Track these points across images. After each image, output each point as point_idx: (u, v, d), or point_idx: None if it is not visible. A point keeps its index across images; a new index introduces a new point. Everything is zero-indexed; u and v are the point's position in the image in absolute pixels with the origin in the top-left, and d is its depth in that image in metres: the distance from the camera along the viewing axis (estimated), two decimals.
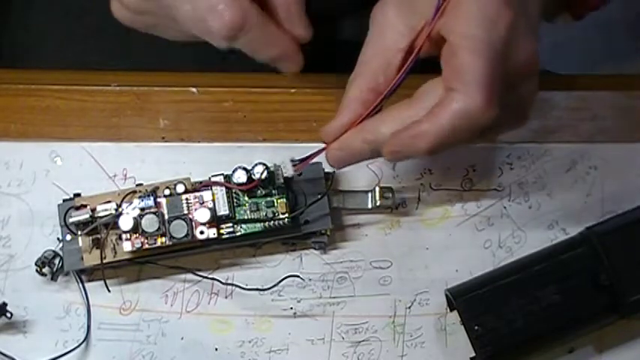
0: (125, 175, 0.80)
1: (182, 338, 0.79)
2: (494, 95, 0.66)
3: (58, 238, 0.78)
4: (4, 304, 0.77)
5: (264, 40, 0.73)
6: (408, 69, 0.70)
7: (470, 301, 0.77)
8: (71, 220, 0.75)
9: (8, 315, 0.77)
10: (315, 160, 0.76)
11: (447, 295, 0.79)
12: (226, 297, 0.79)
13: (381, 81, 0.71)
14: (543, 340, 0.77)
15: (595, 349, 0.80)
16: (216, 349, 0.79)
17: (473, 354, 0.77)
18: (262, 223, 0.76)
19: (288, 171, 0.76)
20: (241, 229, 0.76)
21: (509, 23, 0.67)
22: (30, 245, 0.79)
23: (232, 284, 0.79)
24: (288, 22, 0.74)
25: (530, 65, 0.69)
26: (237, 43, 0.73)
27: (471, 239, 0.81)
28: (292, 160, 0.75)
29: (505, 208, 0.81)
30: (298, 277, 0.79)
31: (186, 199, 0.75)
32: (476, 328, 0.76)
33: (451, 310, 0.79)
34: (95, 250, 0.76)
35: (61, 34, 0.95)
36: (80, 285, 0.78)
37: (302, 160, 0.74)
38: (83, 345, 0.78)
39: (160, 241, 0.75)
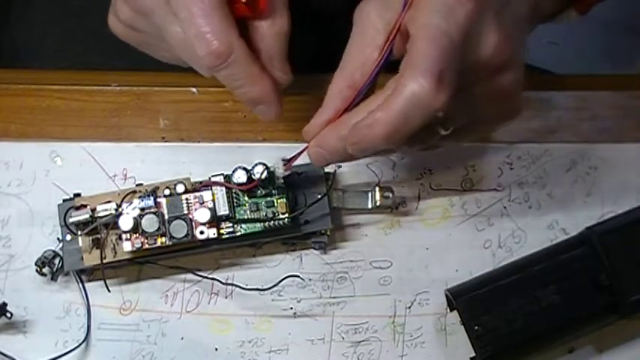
0: (125, 175, 0.80)
1: (182, 338, 0.79)
2: (444, 79, 0.66)
3: (58, 238, 0.78)
4: (4, 304, 0.77)
5: (247, 77, 0.72)
6: (381, 64, 0.70)
7: (470, 301, 0.77)
8: (71, 220, 0.76)
9: (8, 315, 0.77)
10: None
11: (447, 295, 0.79)
12: (226, 297, 0.79)
13: (357, 77, 0.72)
14: (543, 340, 0.77)
15: (595, 349, 0.80)
16: (216, 349, 0.79)
17: (473, 354, 0.77)
18: (262, 223, 0.76)
19: (279, 170, 0.76)
20: (241, 229, 0.76)
21: (469, 12, 0.67)
22: (30, 245, 0.79)
23: (232, 284, 0.79)
24: (269, 65, 0.74)
25: (500, 55, 0.69)
26: (220, 74, 0.72)
27: (471, 239, 0.81)
28: (283, 160, 0.75)
29: (505, 208, 0.81)
30: (298, 277, 0.79)
31: (186, 199, 0.76)
32: (476, 328, 0.76)
33: (451, 310, 0.79)
34: (95, 250, 0.76)
35: (61, 34, 0.95)
36: (80, 285, 0.78)
37: (289, 160, 0.75)
38: (83, 345, 0.78)
39: (160, 241, 0.75)
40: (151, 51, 0.79)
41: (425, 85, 0.66)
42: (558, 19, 0.78)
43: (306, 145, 0.73)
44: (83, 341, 0.78)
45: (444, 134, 0.71)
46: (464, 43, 0.68)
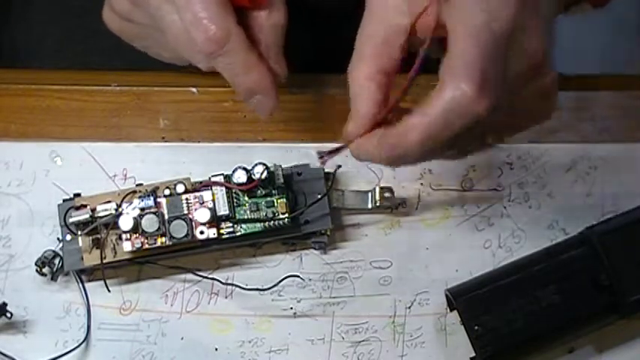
0: (125, 175, 0.80)
1: (182, 338, 0.79)
2: (487, 85, 0.63)
3: (58, 238, 0.78)
4: (4, 304, 0.77)
5: (244, 65, 0.72)
6: (420, 65, 0.66)
7: (470, 301, 0.77)
8: (71, 220, 0.76)
9: (8, 315, 0.77)
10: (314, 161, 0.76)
11: (447, 295, 0.79)
12: (226, 297, 0.79)
13: (385, 61, 0.68)
14: (543, 340, 0.77)
15: (595, 349, 0.80)
16: (216, 349, 0.79)
17: (473, 354, 0.77)
18: (262, 223, 0.76)
19: (314, 163, 0.76)
20: (241, 229, 0.76)
21: (514, 12, 0.64)
22: (30, 245, 0.79)
23: (232, 284, 0.79)
24: (266, 57, 0.74)
25: (541, 55, 0.67)
26: (218, 62, 0.72)
27: (471, 239, 0.81)
28: (319, 153, 0.71)
29: (505, 208, 0.81)
30: (298, 277, 0.79)
31: (186, 199, 0.76)
32: (476, 328, 0.76)
33: (451, 310, 0.79)
34: (95, 250, 0.76)
35: (61, 34, 0.95)
36: (80, 285, 0.78)
37: (330, 153, 0.70)
38: (83, 345, 0.78)
39: (160, 241, 0.75)
40: (147, 46, 0.79)
41: (467, 90, 0.63)
42: (572, 10, 0.77)
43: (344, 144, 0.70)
44: (83, 341, 0.78)
45: (485, 141, 0.69)
46: (508, 43, 0.65)
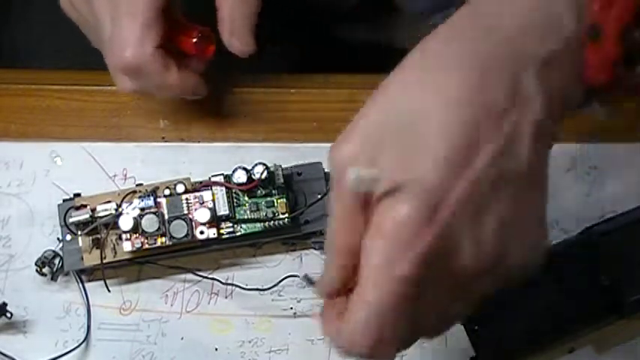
0: (125, 175, 0.80)
1: (182, 338, 0.79)
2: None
3: (58, 238, 0.78)
4: (4, 304, 0.77)
5: (158, 87, 0.74)
6: None
7: None
8: (71, 220, 0.75)
9: (8, 315, 0.77)
10: (315, 159, 0.78)
11: None
12: (226, 297, 0.79)
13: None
14: (543, 340, 0.77)
15: (595, 349, 0.80)
16: (216, 349, 0.79)
17: (473, 354, 0.77)
18: (262, 223, 0.76)
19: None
20: (241, 229, 0.76)
21: (425, 249, 0.54)
22: (30, 245, 0.79)
23: (232, 284, 0.79)
24: (231, 35, 0.74)
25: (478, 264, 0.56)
26: (133, 81, 0.74)
27: None
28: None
29: None
30: (298, 277, 0.79)
31: (186, 199, 0.76)
32: (476, 328, 0.76)
33: None
34: (95, 250, 0.76)
35: (61, 34, 0.95)
36: (80, 285, 0.78)
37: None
38: (83, 345, 0.78)
39: (160, 241, 0.75)
40: (88, 34, 0.79)
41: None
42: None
43: None
44: (83, 341, 0.78)
45: None
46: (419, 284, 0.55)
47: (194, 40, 0.74)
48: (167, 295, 0.79)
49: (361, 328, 0.55)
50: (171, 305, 0.79)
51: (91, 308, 0.79)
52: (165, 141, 0.81)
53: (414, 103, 0.54)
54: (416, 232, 0.53)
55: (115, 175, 0.80)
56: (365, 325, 0.55)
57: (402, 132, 0.54)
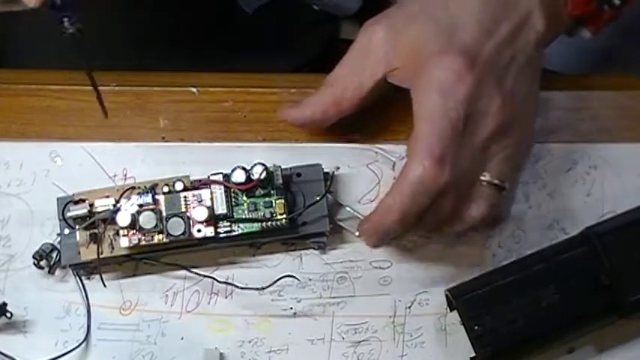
0: (125, 175, 0.80)
1: (182, 338, 0.79)
2: (445, 159, 0.71)
3: (58, 234, 0.78)
4: (4, 304, 0.77)
5: None
6: None
7: (470, 301, 0.76)
8: (69, 214, 0.75)
9: (8, 315, 0.77)
10: (314, 160, 0.78)
11: (447, 295, 0.79)
12: (226, 297, 0.79)
13: (347, 97, 0.75)
14: (543, 340, 0.77)
15: (595, 349, 0.80)
16: (216, 349, 0.79)
17: (473, 354, 0.77)
18: (260, 223, 0.76)
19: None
20: (239, 229, 0.76)
21: (469, 87, 0.71)
22: (30, 245, 0.79)
23: (229, 283, 0.79)
24: None
25: (502, 117, 0.73)
26: None
27: (471, 239, 0.81)
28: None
29: None
30: (294, 277, 0.79)
31: (185, 197, 0.75)
32: (476, 328, 0.76)
33: (451, 310, 0.79)
34: (92, 245, 0.76)
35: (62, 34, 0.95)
36: (78, 280, 0.78)
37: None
38: (83, 345, 0.78)
39: (157, 238, 0.75)
40: None
41: (427, 166, 0.71)
42: (573, 33, 0.79)
43: None
44: (83, 341, 0.78)
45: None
46: (465, 118, 0.72)
47: None
48: (167, 295, 0.79)
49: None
50: (171, 305, 0.79)
51: (91, 308, 0.79)
52: (165, 141, 0.81)
53: (454, 6, 0.73)
54: (460, 77, 0.71)
55: (114, 175, 0.80)
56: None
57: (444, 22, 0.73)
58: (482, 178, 0.75)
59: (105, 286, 0.78)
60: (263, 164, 0.75)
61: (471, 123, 0.72)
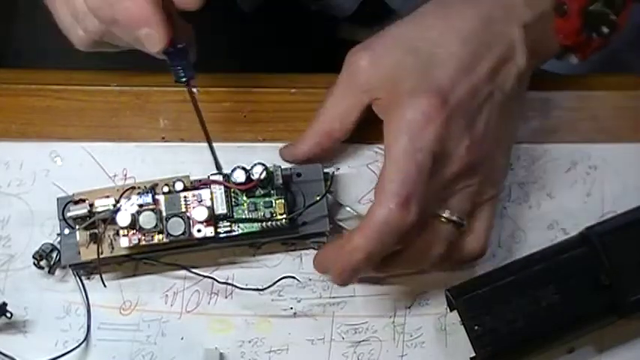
0: (125, 175, 0.80)
1: (182, 338, 0.79)
2: (411, 201, 0.71)
3: (58, 234, 0.78)
4: (4, 304, 0.77)
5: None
6: None
7: (470, 301, 0.76)
8: (69, 214, 0.75)
9: (8, 315, 0.77)
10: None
11: (447, 295, 0.79)
12: (226, 297, 0.79)
13: (336, 127, 0.77)
14: (543, 340, 0.77)
15: (595, 349, 0.80)
16: (216, 349, 0.79)
17: (473, 354, 0.77)
18: (260, 223, 0.76)
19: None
20: (239, 229, 0.76)
21: (438, 128, 0.72)
22: (30, 245, 0.79)
23: (228, 283, 0.79)
24: None
25: (463, 164, 0.74)
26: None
27: None
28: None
29: (505, 208, 0.81)
30: (294, 278, 0.79)
31: (185, 196, 0.75)
32: (476, 328, 0.76)
33: (451, 310, 0.79)
34: (92, 245, 0.76)
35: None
36: (78, 279, 0.78)
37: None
38: (83, 345, 0.78)
39: (157, 238, 0.75)
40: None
41: (393, 208, 0.71)
42: (561, 59, 0.80)
43: None
44: (83, 341, 0.78)
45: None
46: (433, 157, 0.72)
47: None
48: (167, 295, 0.79)
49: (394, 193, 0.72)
50: (171, 305, 0.79)
51: (91, 308, 0.79)
52: (165, 141, 0.81)
53: (435, 38, 0.74)
54: (430, 118, 0.71)
55: (115, 175, 0.80)
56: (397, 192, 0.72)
57: (423, 55, 0.73)
58: (442, 214, 0.75)
59: (105, 286, 0.78)
60: (263, 164, 0.75)
61: (438, 162, 0.73)
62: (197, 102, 0.76)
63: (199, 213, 0.74)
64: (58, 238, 0.78)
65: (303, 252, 0.80)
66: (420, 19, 0.75)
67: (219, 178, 0.76)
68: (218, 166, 0.77)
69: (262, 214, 0.76)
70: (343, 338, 0.80)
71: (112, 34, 0.73)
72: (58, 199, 0.77)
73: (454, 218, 0.75)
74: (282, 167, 0.77)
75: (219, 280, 0.78)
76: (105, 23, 0.72)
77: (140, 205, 0.75)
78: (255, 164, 0.75)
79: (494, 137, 0.75)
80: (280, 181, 0.76)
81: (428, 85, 0.72)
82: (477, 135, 0.73)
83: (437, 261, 0.76)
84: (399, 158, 0.72)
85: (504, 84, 0.74)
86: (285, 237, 0.78)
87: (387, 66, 0.74)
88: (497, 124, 0.74)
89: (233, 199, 0.76)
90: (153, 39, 0.70)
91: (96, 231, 0.76)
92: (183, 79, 0.74)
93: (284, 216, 0.76)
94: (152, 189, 0.76)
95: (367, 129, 0.79)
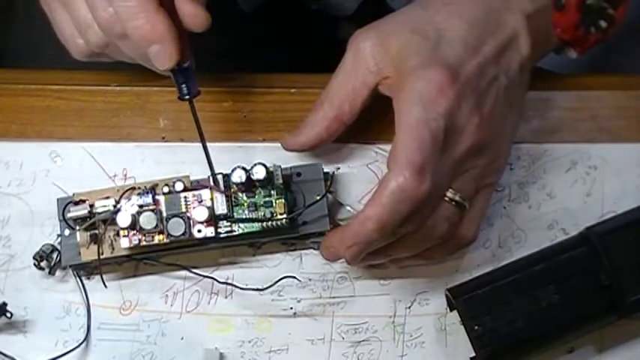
0: (125, 175, 0.80)
1: (182, 338, 0.79)
2: (425, 170, 0.71)
3: (58, 235, 0.78)
4: (4, 304, 0.77)
5: (141, 10, 0.69)
6: None
7: (470, 301, 0.77)
8: (69, 215, 0.75)
9: (8, 315, 0.77)
10: (314, 160, 0.78)
11: (447, 295, 0.79)
12: (226, 297, 0.79)
13: (345, 109, 0.76)
14: (543, 340, 0.77)
15: (595, 349, 0.80)
16: (216, 349, 0.79)
17: (473, 354, 0.77)
18: (260, 223, 0.76)
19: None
20: (239, 229, 0.76)
21: (450, 101, 0.72)
22: (30, 245, 0.79)
23: (229, 283, 0.79)
24: (179, 2, 0.71)
25: (477, 137, 0.74)
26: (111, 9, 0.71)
27: None
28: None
29: (505, 208, 0.81)
30: (294, 277, 0.79)
31: (185, 197, 0.75)
32: (476, 328, 0.76)
33: (451, 310, 0.79)
34: (93, 246, 0.76)
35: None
36: (79, 280, 0.78)
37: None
38: (83, 345, 0.78)
39: (158, 238, 0.75)
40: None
41: (408, 176, 0.71)
42: (559, 53, 0.80)
43: None
44: (83, 341, 0.78)
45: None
46: (444, 131, 0.72)
47: None
48: (167, 295, 0.79)
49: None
50: (171, 305, 0.79)
51: (91, 308, 0.79)
52: (166, 141, 0.81)
53: (441, 21, 0.74)
54: (442, 90, 0.71)
55: (115, 175, 0.80)
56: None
57: (431, 35, 0.74)
58: (447, 193, 0.75)
59: (105, 286, 0.78)
60: (263, 164, 0.75)
61: (448, 138, 0.72)
62: (199, 120, 0.75)
63: (199, 213, 0.74)
64: (59, 239, 0.78)
65: (303, 252, 0.80)
66: (426, 5, 0.75)
67: (220, 178, 0.76)
68: (215, 180, 0.76)
69: (262, 213, 0.76)
70: (343, 338, 0.80)
71: (116, 48, 0.73)
72: (58, 200, 0.77)
73: (457, 198, 0.75)
74: (282, 167, 0.76)
75: (219, 280, 0.78)
76: (112, 37, 0.71)
77: (140, 206, 0.75)
78: (255, 164, 0.75)
79: (501, 121, 0.75)
80: (280, 180, 0.76)
81: (438, 60, 0.73)
82: (486, 114, 0.74)
83: (437, 242, 0.76)
84: (413, 127, 0.71)
85: (509, 69, 0.75)
86: (285, 237, 0.79)
87: (395, 45, 0.74)
88: (502, 108, 0.75)
89: (233, 200, 0.76)
90: (163, 57, 0.70)
91: (96, 232, 0.76)
92: (187, 97, 0.74)
93: (284, 216, 0.76)
94: (152, 189, 0.76)
95: (367, 129, 0.79)
